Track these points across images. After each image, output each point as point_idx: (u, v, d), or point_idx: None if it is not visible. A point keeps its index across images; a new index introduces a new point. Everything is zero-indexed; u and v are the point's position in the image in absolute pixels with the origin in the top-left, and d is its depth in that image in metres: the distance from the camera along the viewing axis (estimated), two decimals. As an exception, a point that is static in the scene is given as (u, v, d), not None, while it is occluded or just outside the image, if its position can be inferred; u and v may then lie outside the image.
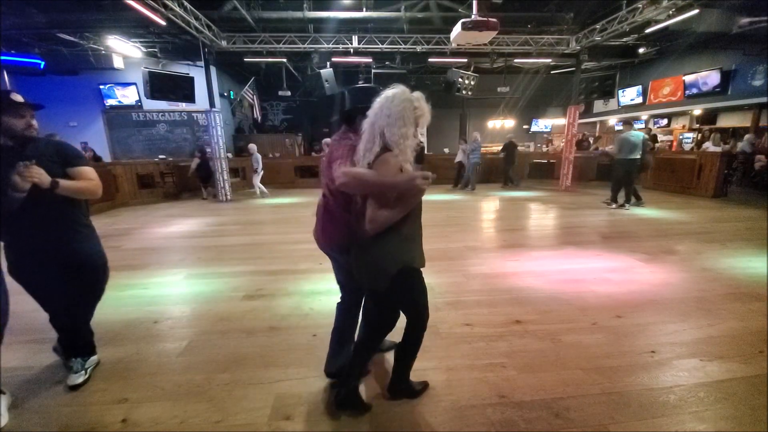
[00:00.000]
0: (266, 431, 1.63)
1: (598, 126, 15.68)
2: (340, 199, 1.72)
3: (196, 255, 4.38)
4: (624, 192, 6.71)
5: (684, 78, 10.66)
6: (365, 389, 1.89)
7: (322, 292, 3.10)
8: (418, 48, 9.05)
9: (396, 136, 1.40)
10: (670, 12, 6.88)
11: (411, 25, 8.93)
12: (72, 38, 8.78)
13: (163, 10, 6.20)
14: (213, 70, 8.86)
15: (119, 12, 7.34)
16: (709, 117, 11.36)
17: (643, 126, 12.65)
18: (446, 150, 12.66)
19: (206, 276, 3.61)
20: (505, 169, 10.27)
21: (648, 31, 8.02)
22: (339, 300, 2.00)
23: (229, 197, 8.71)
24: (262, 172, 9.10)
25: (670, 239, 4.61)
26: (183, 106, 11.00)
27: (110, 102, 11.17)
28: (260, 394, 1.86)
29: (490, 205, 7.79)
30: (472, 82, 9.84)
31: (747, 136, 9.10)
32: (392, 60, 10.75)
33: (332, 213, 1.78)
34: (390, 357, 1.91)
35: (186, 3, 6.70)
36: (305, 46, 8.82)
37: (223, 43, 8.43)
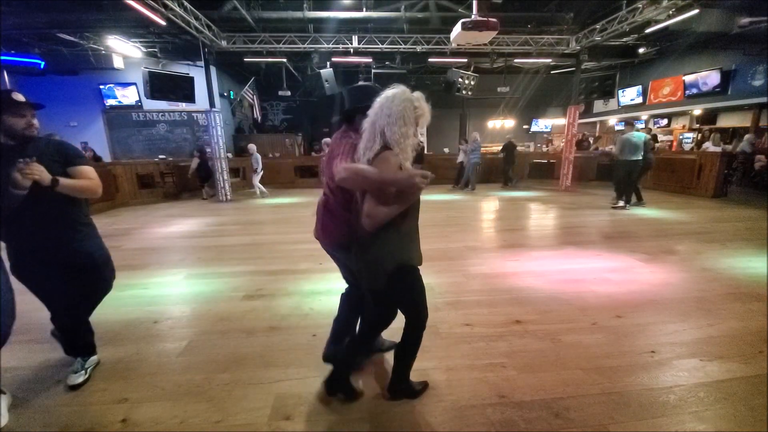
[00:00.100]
0: (266, 431, 1.63)
1: (598, 126, 15.68)
2: (341, 197, 1.73)
3: (196, 255, 4.38)
4: (625, 192, 6.70)
5: (684, 78, 10.66)
6: (366, 389, 1.89)
7: (322, 292, 3.10)
8: (418, 48, 9.05)
9: (396, 135, 1.42)
10: (670, 12, 6.88)
11: (411, 25, 8.92)
12: (72, 38, 8.78)
13: (163, 10, 6.20)
14: (213, 70, 8.86)
15: (119, 12, 7.34)
16: (709, 117, 11.35)
17: (643, 126, 12.63)
18: (446, 150, 12.66)
19: (206, 276, 3.61)
20: (505, 170, 10.28)
21: (648, 31, 8.01)
22: (344, 291, 2.03)
23: (229, 197, 8.71)
24: (261, 172, 9.11)
25: (670, 239, 4.61)
26: (183, 106, 11.00)
27: (110, 102, 11.17)
28: (260, 394, 1.86)
29: (490, 205, 7.78)
30: (472, 82, 9.84)
31: (747, 136, 9.10)
32: (392, 60, 10.75)
33: (332, 211, 1.80)
34: (390, 357, 1.91)
35: (186, 3, 6.69)
36: (305, 46, 8.82)
37: (223, 43, 8.42)
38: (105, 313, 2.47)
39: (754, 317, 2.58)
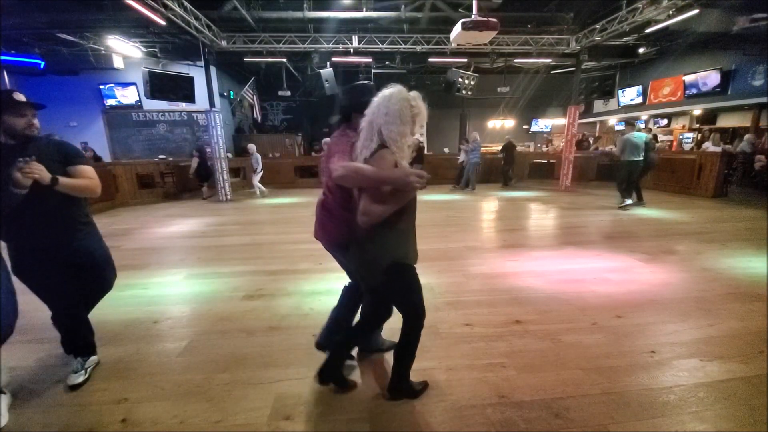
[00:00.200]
0: (266, 431, 1.63)
1: (598, 126, 15.68)
2: (339, 196, 1.74)
3: (196, 255, 4.38)
4: (626, 190, 6.69)
5: (684, 78, 10.66)
6: (366, 389, 1.89)
7: (322, 292, 3.10)
8: (418, 48, 9.05)
9: (393, 134, 1.44)
10: (670, 12, 6.88)
11: (411, 25, 8.93)
12: (72, 38, 8.78)
13: (163, 10, 6.20)
14: (213, 70, 8.87)
15: (119, 12, 7.34)
16: (709, 117, 11.35)
17: (643, 126, 12.63)
18: (446, 150, 12.66)
19: (206, 276, 3.61)
20: (505, 170, 10.28)
21: (648, 31, 8.01)
22: (347, 284, 2.06)
23: (229, 197, 8.71)
24: (261, 172, 9.13)
25: (670, 239, 4.61)
26: (183, 106, 11.00)
27: (110, 102, 11.16)
28: (260, 394, 1.86)
29: (490, 205, 7.78)
30: (472, 82, 9.83)
31: (747, 136, 9.09)
32: (392, 60, 10.76)
33: (330, 210, 1.81)
34: (390, 357, 1.91)
35: (186, 3, 6.69)
36: (305, 46, 8.82)
37: (223, 43, 8.42)
38: (105, 313, 2.47)
39: (754, 317, 2.58)
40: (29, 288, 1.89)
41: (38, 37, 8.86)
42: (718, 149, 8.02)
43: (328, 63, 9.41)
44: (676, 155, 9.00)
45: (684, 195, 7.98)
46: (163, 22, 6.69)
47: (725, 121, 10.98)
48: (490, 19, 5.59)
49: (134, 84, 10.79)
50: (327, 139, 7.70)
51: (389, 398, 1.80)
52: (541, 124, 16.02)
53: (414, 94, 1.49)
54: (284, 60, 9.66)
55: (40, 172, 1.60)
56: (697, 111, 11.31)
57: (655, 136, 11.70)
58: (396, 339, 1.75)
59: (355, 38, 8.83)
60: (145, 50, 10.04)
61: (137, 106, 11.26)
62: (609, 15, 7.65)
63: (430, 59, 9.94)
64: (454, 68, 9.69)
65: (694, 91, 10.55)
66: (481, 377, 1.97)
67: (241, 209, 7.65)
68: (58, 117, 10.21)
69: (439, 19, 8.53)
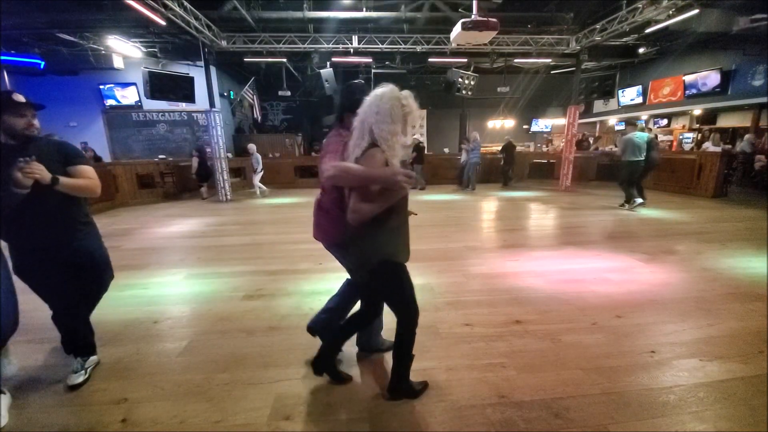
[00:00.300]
0: (266, 431, 1.63)
1: (598, 126, 15.68)
2: (335, 195, 1.76)
3: (196, 255, 4.38)
4: (625, 192, 6.67)
5: (684, 78, 10.65)
6: (366, 389, 1.89)
7: (322, 292, 3.09)
8: (418, 48, 9.05)
9: (384, 133, 1.45)
10: (670, 12, 6.88)
11: (411, 25, 8.93)
12: (72, 38, 8.78)
13: (163, 10, 6.20)
14: (213, 70, 8.86)
15: (119, 12, 7.34)
16: (709, 117, 11.35)
17: (643, 126, 12.64)
18: (446, 150, 12.66)
19: (206, 276, 3.61)
20: (505, 170, 10.28)
21: (648, 31, 8.02)
22: (349, 278, 2.08)
23: (229, 197, 8.71)
24: (262, 172, 9.14)
25: (670, 239, 4.61)
26: (183, 106, 10.99)
27: (110, 102, 11.16)
28: (260, 394, 1.86)
29: (490, 205, 7.78)
30: (472, 82, 9.84)
31: (747, 136, 9.10)
32: (392, 60, 10.76)
33: (327, 210, 1.84)
34: (390, 357, 1.91)
35: (186, 3, 6.69)
36: (305, 46, 8.82)
37: (223, 43, 8.42)
38: (105, 313, 2.47)
39: (754, 317, 2.58)
40: (30, 287, 1.89)
41: (38, 37, 8.86)
42: (718, 149, 8.02)
43: (328, 63, 9.41)
44: (676, 155, 9.00)
45: (684, 195, 7.98)
46: (163, 22, 6.69)
47: (725, 121, 10.98)
48: (490, 19, 5.59)
49: (134, 84, 10.79)
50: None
51: (389, 398, 1.80)
52: (541, 124, 16.02)
53: (405, 93, 1.50)
54: (284, 60, 9.66)
55: (40, 172, 1.61)
56: (697, 111, 11.31)
57: (655, 136, 11.70)
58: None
59: (355, 38, 8.83)
60: (145, 50, 10.04)
61: (137, 106, 11.26)
62: (609, 15, 7.65)
63: (430, 59, 9.94)
64: (454, 68, 9.69)
65: (694, 91, 10.55)
66: (481, 377, 1.97)
67: (241, 209, 7.65)
68: (58, 117, 10.22)
69: (439, 19, 8.53)
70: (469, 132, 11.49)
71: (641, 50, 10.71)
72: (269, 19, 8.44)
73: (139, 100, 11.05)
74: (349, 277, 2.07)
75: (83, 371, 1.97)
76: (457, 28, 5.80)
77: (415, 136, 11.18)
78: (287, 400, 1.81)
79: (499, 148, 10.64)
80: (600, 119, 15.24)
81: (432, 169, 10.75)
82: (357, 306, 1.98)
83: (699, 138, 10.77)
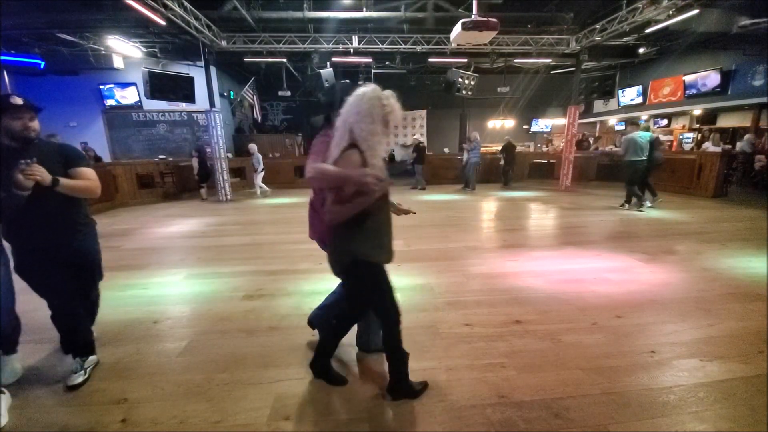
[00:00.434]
0: (266, 431, 1.63)
1: (598, 126, 15.68)
2: (323, 195, 1.77)
3: (196, 255, 4.38)
4: (625, 192, 6.66)
5: (684, 78, 10.65)
6: (366, 389, 1.89)
7: (322, 292, 3.07)
8: (418, 48, 9.04)
9: (364, 132, 1.45)
10: (670, 12, 6.87)
11: (411, 25, 8.92)
12: (72, 38, 8.77)
13: (163, 10, 6.20)
14: (213, 70, 8.86)
15: (119, 12, 7.33)
16: (709, 117, 11.35)
17: (647, 125, 12.63)
18: (446, 150, 12.66)
19: (206, 276, 3.61)
20: (505, 170, 10.28)
21: (648, 31, 8.00)
22: None
23: (229, 197, 8.71)
24: (263, 172, 9.14)
25: (670, 239, 4.61)
26: (183, 106, 10.98)
27: (110, 102, 11.15)
28: (260, 394, 1.86)
29: (490, 205, 7.78)
30: (472, 82, 9.83)
31: (747, 136, 9.10)
32: (392, 60, 10.76)
33: (317, 210, 1.88)
34: (390, 357, 1.92)
35: (186, 3, 6.69)
36: (305, 46, 8.82)
37: (223, 43, 8.42)
38: (105, 313, 2.47)
39: (754, 317, 2.58)
40: (30, 287, 1.90)
41: (38, 37, 8.85)
42: (718, 149, 8.02)
43: (328, 63, 9.40)
44: (676, 155, 9.00)
45: (684, 195, 7.98)
46: (163, 22, 6.69)
47: (725, 121, 10.98)
48: (490, 19, 5.60)
49: (134, 84, 10.78)
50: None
51: (389, 398, 1.80)
52: (541, 124, 16.02)
53: (387, 93, 1.50)
54: (284, 60, 9.66)
55: (41, 173, 1.63)
56: (697, 111, 11.31)
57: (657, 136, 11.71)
58: (397, 339, 1.76)
59: (355, 38, 8.83)
60: (145, 50, 10.03)
61: (137, 106, 11.25)
62: (609, 15, 7.65)
63: (430, 59, 9.94)
64: (454, 68, 9.69)
65: (694, 91, 10.55)
66: (481, 377, 1.97)
67: (241, 209, 7.65)
68: (58, 117, 10.20)
69: (439, 19, 8.53)
70: (469, 132, 11.50)
71: (641, 50, 10.71)
72: (269, 19, 8.44)
73: (139, 100, 11.05)
74: None
75: (83, 371, 1.97)
76: (457, 28, 5.80)
77: (415, 136, 11.16)
78: (287, 400, 1.81)
79: (499, 148, 10.64)
80: (600, 119, 15.24)
81: (432, 169, 10.75)
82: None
83: (699, 138, 10.77)
